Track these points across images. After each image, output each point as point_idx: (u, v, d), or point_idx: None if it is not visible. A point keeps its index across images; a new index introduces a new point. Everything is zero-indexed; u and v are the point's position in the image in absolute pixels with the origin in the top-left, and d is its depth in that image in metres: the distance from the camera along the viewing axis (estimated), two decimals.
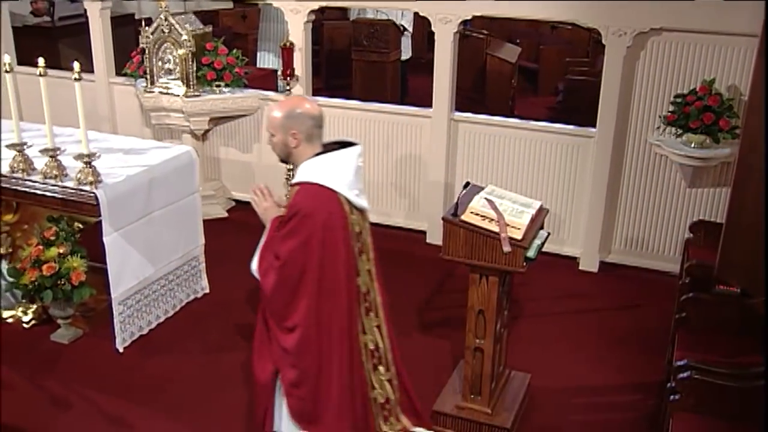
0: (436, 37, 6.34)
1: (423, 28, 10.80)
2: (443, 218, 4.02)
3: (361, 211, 3.39)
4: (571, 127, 6.26)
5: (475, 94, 9.97)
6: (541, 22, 10.13)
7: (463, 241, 3.95)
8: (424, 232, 6.78)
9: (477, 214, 3.93)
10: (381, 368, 3.54)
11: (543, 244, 4.09)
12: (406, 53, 10.36)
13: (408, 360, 5.01)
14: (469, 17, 6.29)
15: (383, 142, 6.76)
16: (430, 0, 6.20)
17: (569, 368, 5.02)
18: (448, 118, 6.44)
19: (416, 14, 6.63)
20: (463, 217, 3.94)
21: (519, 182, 6.32)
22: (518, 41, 11.23)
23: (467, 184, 4.21)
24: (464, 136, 6.49)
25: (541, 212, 4.21)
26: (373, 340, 3.50)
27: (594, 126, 6.06)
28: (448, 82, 6.37)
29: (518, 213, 3.99)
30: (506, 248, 3.84)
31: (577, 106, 8.34)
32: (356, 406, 3.42)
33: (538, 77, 11.33)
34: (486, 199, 4.03)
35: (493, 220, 3.89)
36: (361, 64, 9.96)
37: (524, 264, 3.90)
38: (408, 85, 10.54)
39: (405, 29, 10.12)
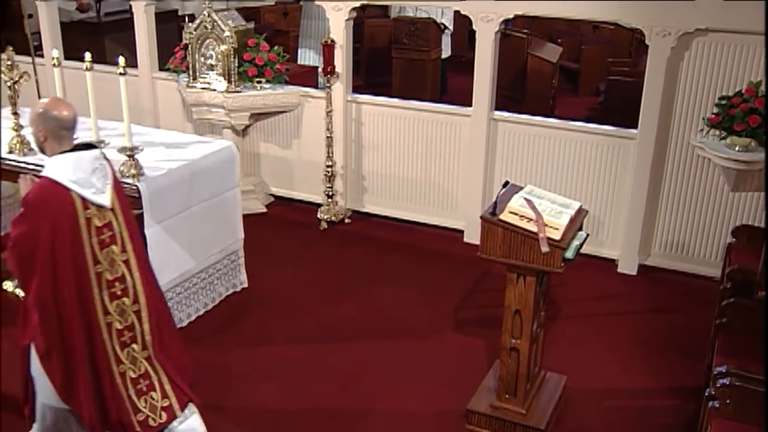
0: (477, 36, 6.33)
1: (464, 26, 10.79)
2: (481, 217, 4.01)
3: (111, 209, 3.70)
4: (611, 127, 6.20)
5: (515, 93, 9.92)
6: (583, 21, 10.06)
7: (501, 241, 3.94)
8: (461, 231, 6.77)
9: (515, 214, 3.92)
10: (135, 346, 3.82)
11: (581, 245, 4.07)
12: (446, 52, 10.35)
13: (442, 358, 5.07)
14: (510, 16, 6.26)
15: (422, 140, 6.76)
16: None
17: (606, 371, 4.98)
18: (488, 117, 6.42)
19: (457, 13, 6.62)
20: (501, 217, 3.93)
21: (558, 182, 6.28)
22: (559, 41, 11.15)
23: (506, 183, 4.20)
24: (503, 135, 6.46)
25: (580, 213, 4.18)
26: (122, 322, 3.77)
27: (635, 127, 6.00)
28: (489, 81, 6.35)
29: (557, 213, 3.97)
30: (544, 248, 3.83)
31: (618, 107, 8.26)
32: (102, 378, 3.72)
33: (579, 77, 11.23)
34: (525, 198, 4.02)
35: (531, 219, 3.88)
36: (401, 62, 9.98)
37: (562, 264, 3.88)
38: (447, 84, 10.53)
39: (446, 27, 10.11)
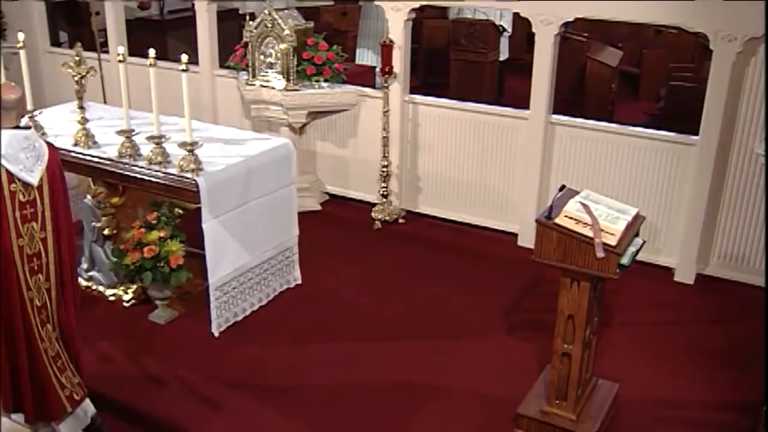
0: (536, 39, 6.28)
1: (523, 29, 10.70)
2: (537, 220, 3.99)
3: (39, 188, 3.89)
4: (672, 134, 6.09)
5: (574, 97, 9.81)
6: (645, 25, 9.89)
7: (555, 245, 3.91)
8: (515, 235, 6.73)
9: (571, 218, 3.88)
10: (48, 326, 4.01)
11: (638, 251, 4.01)
12: (504, 54, 10.30)
13: (493, 361, 5.06)
14: (571, 19, 6.20)
15: (478, 142, 6.74)
16: (533, 0, 6.14)
17: (659, 381, 4.90)
18: (545, 120, 6.37)
19: (516, 15, 6.58)
20: (557, 220, 3.90)
21: (615, 188, 6.19)
22: (620, 45, 10.98)
23: (563, 187, 4.17)
24: (561, 139, 6.41)
25: (637, 219, 4.12)
26: (41, 299, 3.95)
27: (696, 134, 5.88)
28: (547, 85, 6.30)
29: (613, 219, 3.93)
30: (599, 254, 3.79)
31: (679, 113, 8.10)
32: (21, 352, 3.91)
33: (639, 82, 11.05)
34: (581, 203, 3.98)
35: (587, 224, 3.85)
36: (458, 63, 9.96)
37: (617, 271, 3.83)
38: (504, 86, 10.47)
39: (504, 30, 10.06)
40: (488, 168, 6.78)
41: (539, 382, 4.58)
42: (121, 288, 5.72)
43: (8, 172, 3.80)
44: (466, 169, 6.87)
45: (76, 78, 5.46)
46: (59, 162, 4.05)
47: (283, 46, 6.72)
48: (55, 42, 9.87)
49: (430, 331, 5.40)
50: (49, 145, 4.03)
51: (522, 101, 6.62)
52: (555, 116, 6.43)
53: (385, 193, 7.06)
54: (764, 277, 5.76)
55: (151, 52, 4.98)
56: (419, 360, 5.08)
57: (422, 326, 5.47)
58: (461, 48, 9.88)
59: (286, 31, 6.67)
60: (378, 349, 5.20)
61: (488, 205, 6.89)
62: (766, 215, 5.56)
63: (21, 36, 5.47)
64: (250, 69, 7.02)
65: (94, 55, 7.91)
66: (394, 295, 5.87)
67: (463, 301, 5.79)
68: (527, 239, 6.29)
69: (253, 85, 7.02)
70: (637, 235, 4.09)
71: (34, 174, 3.88)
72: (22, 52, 5.44)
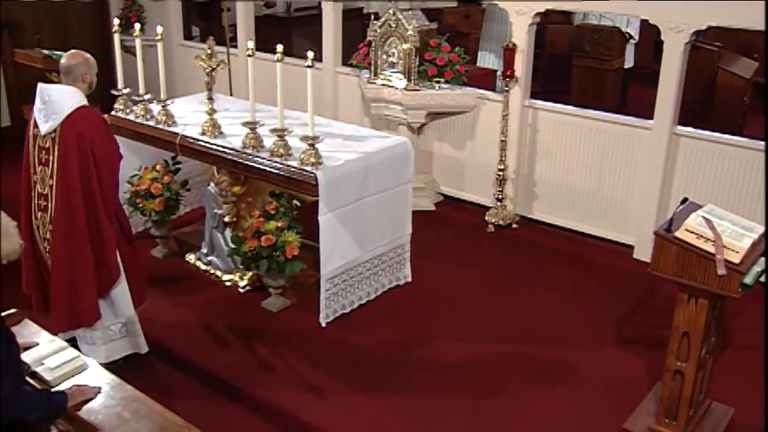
0: (664, 47, 6.10)
1: (650, 36, 10.39)
2: (656, 233, 3.89)
3: (52, 139, 4.43)
4: None
5: (701, 108, 9.44)
6: None
7: (674, 259, 3.80)
8: (631, 247, 6.56)
9: (692, 232, 3.77)
10: (48, 261, 4.61)
11: (762, 272, 3.85)
12: (629, 61, 10.03)
13: (600, 373, 4.96)
14: (703, 27, 5.99)
15: (598, 150, 6.61)
16: (665, 0, 5.96)
17: None
18: (670, 131, 6.18)
19: (644, 22, 6.41)
20: (677, 234, 3.79)
21: (742, 204, 5.92)
22: (755, 56, 10.50)
23: (685, 200, 4.05)
24: (685, 151, 6.20)
25: (764, 238, 3.95)
26: (44, 234, 4.56)
27: None
28: (673, 95, 6.11)
29: (738, 236, 3.78)
30: (721, 271, 3.65)
31: None
32: (32, 268, 4.64)
33: None
34: (703, 217, 3.86)
35: (709, 239, 3.72)
36: (581, 69, 9.78)
37: (739, 290, 3.68)
38: (628, 95, 10.20)
39: (630, 37, 9.80)
40: (607, 177, 6.63)
41: (648, 398, 4.46)
42: (238, 274, 5.93)
43: (35, 117, 4.51)
44: (584, 177, 6.75)
45: (207, 70, 5.70)
46: (99, 128, 4.49)
47: (405, 46, 6.79)
48: (188, 36, 10.34)
49: (535, 338, 5.34)
50: (89, 109, 4.45)
51: (645, 111, 6.45)
52: (680, 127, 6.23)
53: (500, 197, 7.03)
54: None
55: (279, 47, 5.15)
56: (523, 367, 5.04)
57: (528, 333, 5.41)
58: (585, 54, 9.70)
59: (410, 32, 6.74)
60: (482, 352, 5.18)
61: (605, 214, 6.74)
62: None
63: (159, 29, 5.75)
64: (372, 67, 7.13)
65: (224, 49, 8.22)
66: (502, 300, 5.84)
67: (573, 310, 5.70)
68: (643, 252, 6.13)
69: (375, 83, 7.12)
70: (763, 254, 3.92)
71: (44, 125, 4.46)
72: (159, 45, 5.72)
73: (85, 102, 4.48)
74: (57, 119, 4.40)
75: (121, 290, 4.72)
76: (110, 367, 4.11)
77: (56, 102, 4.42)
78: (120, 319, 4.78)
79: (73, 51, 4.61)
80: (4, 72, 9.13)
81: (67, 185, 4.41)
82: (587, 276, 6.23)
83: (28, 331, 3.91)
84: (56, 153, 4.42)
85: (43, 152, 4.48)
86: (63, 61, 4.54)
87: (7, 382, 3.06)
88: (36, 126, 4.49)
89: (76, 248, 4.46)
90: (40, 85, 4.52)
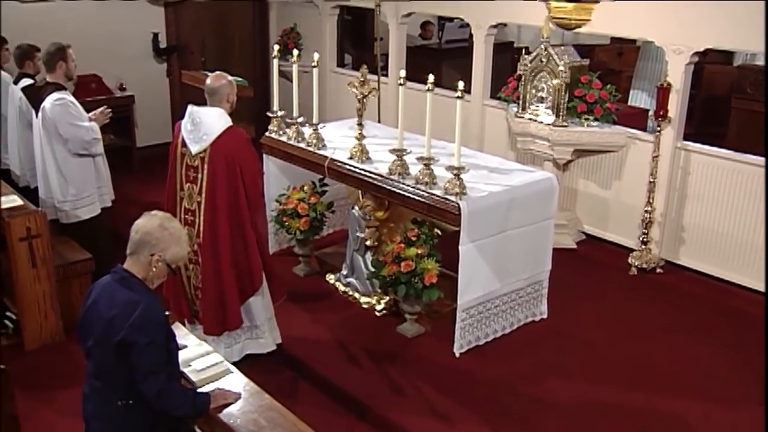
0: None
1: None
2: None
3: (202, 159, 4.72)
4: None
5: None
6: None
7: None
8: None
9: None
10: (194, 273, 4.90)
11: None
12: None
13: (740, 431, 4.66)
14: None
15: (754, 197, 6.27)
16: None
17: None
18: None
19: None
20: None
21: None
22: None
23: None
24: None
25: None
26: (190, 245, 4.61)
27: None
28: None
29: None
30: None
31: None
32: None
33: None
34: None
35: None
36: (740, 112, 9.33)
37: None
38: None
39: None
40: (762, 226, 6.28)
41: None
42: (375, 297, 6.03)
43: (183, 137, 4.78)
44: (738, 224, 6.43)
45: (359, 97, 5.86)
46: (245, 147, 4.75)
47: (556, 81, 6.74)
48: (341, 63, 10.68)
49: (673, 388, 5.11)
50: (236, 130, 4.73)
51: None
52: None
53: (645, 239, 6.81)
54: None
55: (431, 77, 5.25)
56: (657, 417, 4.83)
57: (666, 382, 5.19)
58: (746, 96, 9.26)
59: (561, 67, 6.68)
60: (615, 397, 5.01)
61: (758, 265, 6.37)
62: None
63: (316, 56, 5.99)
64: (521, 101, 7.12)
65: (374, 77, 8.43)
66: (640, 345, 5.63)
67: (715, 362, 5.42)
68: None
69: (522, 117, 7.10)
70: None
71: (195, 145, 4.71)
72: (314, 71, 5.95)
73: (230, 123, 4.77)
74: (207, 140, 4.70)
75: (259, 298, 5.02)
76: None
77: (206, 124, 4.71)
78: (255, 322, 5.10)
79: (217, 73, 4.92)
80: (171, 91, 9.75)
81: (215, 202, 4.69)
82: (733, 326, 5.92)
83: (178, 333, 4.12)
84: (205, 171, 4.72)
85: (192, 170, 4.78)
86: (208, 82, 4.83)
87: (165, 376, 3.27)
88: (184, 145, 4.78)
89: (221, 259, 4.75)
90: (191, 107, 4.82)
